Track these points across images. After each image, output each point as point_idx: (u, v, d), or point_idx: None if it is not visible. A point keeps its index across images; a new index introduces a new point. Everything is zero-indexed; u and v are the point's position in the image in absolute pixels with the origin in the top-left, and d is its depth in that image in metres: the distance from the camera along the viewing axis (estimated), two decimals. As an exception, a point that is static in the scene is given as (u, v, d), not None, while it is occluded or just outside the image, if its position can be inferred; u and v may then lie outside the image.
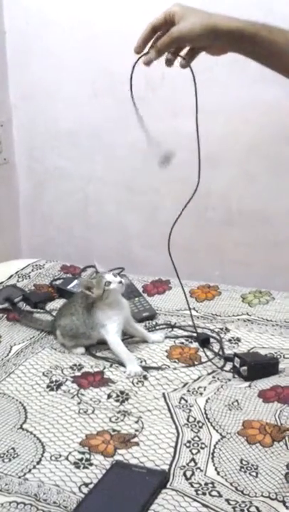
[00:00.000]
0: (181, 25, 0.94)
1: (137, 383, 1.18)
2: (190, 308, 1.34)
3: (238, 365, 1.20)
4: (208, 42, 0.95)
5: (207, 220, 1.90)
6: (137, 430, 1.04)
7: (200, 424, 1.05)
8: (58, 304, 1.55)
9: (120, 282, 1.28)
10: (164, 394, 1.15)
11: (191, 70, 1.02)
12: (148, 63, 1.00)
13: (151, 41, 0.99)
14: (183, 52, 1.00)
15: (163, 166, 1.08)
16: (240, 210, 1.89)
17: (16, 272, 1.74)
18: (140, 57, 1.00)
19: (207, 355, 1.27)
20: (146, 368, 1.23)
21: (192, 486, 0.89)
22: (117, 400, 1.13)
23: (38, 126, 2.09)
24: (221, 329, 1.39)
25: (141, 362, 1.26)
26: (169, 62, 1.00)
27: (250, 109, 1.76)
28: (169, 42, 0.96)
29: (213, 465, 0.95)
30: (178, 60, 1.01)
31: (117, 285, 1.27)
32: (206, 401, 1.11)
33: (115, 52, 1.88)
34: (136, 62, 1.01)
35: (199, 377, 1.21)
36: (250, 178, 1.85)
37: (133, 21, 1.80)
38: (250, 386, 1.15)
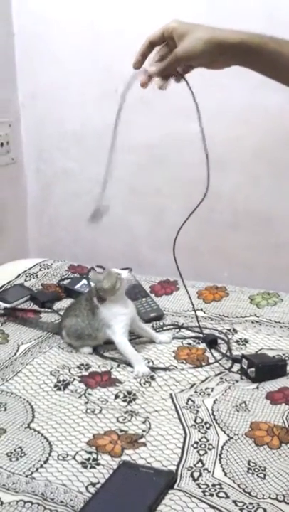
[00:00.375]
0: (185, 44, 0.92)
1: (144, 384, 1.18)
2: (195, 310, 1.34)
3: (245, 367, 1.20)
4: (213, 57, 0.93)
5: (213, 223, 1.90)
6: (144, 431, 1.03)
7: (207, 425, 1.04)
8: (65, 303, 1.55)
9: (130, 272, 1.32)
10: (171, 395, 1.14)
11: (186, 82, 1.01)
12: (144, 85, 1.00)
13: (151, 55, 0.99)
14: (179, 68, 0.99)
15: (94, 221, 1.11)
16: (246, 213, 1.89)
17: (24, 272, 1.74)
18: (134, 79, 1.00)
19: (215, 356, 1.27)
20: (153, 369, 1.23)
21: (199, 487, 0.89)
22: (124, 400, 1.13)
23: (46, 127, 2.09)
24: (229, 330, 1.39)
25: (148, 362, 1.26)
26: (163, 85, 1.00)
27: (255, 113, 1.76)
28: (175, 62, 0.95)
29: (221, 466, 0.94)
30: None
31: (127, 274, 1.30)
32: (214, 402, 1.11)
33: (121, 53, 1.88)
34: (130, 82, 1.00)
35: (207, 378, 1.21)
36: (255, 181, 1.85)
37: (140, 23, 1.82)
38: (257, 387, 1.15)
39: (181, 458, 0.96)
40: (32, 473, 0.93)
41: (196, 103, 1.01)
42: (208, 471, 0.93)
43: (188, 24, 0.93)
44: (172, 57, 0.95)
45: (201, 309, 1.50)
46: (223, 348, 1.32)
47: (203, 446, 0.99)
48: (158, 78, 1.00)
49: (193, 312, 1.48)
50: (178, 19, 0.94)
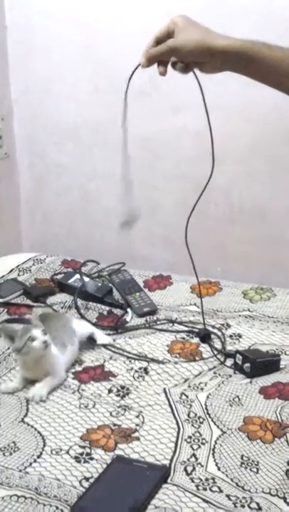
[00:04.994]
0: (178, 38, 0.93)
1: (138, 378, 1.18)
2: (201, 304, 1.33)
3: (240, 362, 1.20)
4: (201, 59, 0.95)
5: (209, 217, 1.90)
6: (137, 425, 1.04)
7: (201, 420, 1.05)
8: (58, 298, 1.55)
9: (45, 342, 1.11)
10: (164, 389, 1.15)
11: (196, 76, 1.01)
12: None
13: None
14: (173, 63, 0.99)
15: (124, 228, 1.11)
16: (242, 207, 1.88)
17: (17, 266, 1.73)
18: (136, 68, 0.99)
19: (212, 350, 1.27)
20: (147, 360, 1.23)
21: (193, 482, 0.90)
22: (117, 395, 1.13)
23: (39, 121, 2.08)
24: (222, 325, 1.39)
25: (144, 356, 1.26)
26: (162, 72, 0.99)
27: (251, 108, 1.76)
28: (163, 51, 0.95)
29: (214, 461, 0.95)
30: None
31: (40, 344, 1.11)
32: (207, 397, 1.11)
33: (116, 47, 1.88)
34: (133, 72, 1.00)
35: (200, 373, 1.21)
36: (251, 176, 1.84)
37: (135, 17, 1.81)
38: (251, 382, 1.15)
39: (174, 452, 0.97)
40: (25, 467, 0.93)
41: (202, 91, 1.00)
42: (202, 466, 0.93)
43: (191, 21, 0.94)
44: (163, 46, 0.95)
45: (195, 304, 1.50)
46: (217, 342, 1.32)
47: (196, 440, 1.00)
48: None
49: (186, 307, 1.48)
50: (184, 14, 0.95)
